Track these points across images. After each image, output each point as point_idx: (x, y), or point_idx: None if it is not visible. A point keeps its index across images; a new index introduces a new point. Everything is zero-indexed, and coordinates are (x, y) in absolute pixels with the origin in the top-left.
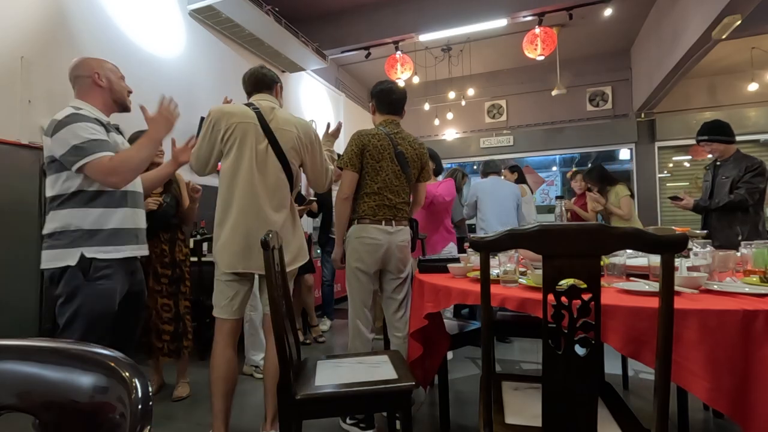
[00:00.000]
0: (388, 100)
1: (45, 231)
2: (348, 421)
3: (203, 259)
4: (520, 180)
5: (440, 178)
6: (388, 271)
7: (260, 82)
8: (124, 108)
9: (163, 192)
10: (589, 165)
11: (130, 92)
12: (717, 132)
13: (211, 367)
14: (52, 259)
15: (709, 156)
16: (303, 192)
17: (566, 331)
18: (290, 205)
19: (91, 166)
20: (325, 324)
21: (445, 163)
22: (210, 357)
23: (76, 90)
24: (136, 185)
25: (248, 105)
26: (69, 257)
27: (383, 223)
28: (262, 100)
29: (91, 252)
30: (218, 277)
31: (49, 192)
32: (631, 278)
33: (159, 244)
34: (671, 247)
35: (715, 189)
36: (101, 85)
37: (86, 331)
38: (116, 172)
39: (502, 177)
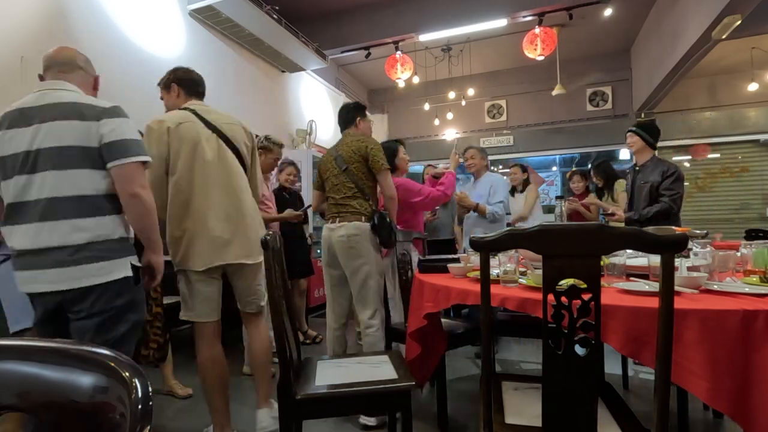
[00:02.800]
0: (338, 121)
1: (83, 239)
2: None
3: None
4: (527, 180)
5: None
6: (342, 265)
7: (198, 88)
8: None
9: None
10: (589, 164)
11: None
12: (643, 128)
13: (204, 370)
14: (101, 271)
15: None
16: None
17: (566, 331)
18: (250, 196)
19: (134, 168)
20: None
21: (445, 163)
22: (198, 362)
23: (72, 76)
24: None
25: (183, 109)
26: (124, 268)
27: (329, 221)
28: (197, 106)
29: (135, 260)
30: (189, 280)
31: (89, 189)
32: (631, 278)
33: None
34: (671, 247)
35: (635, 194)
36: (97, 89)
37: (134, 338)
38: (146, 198)
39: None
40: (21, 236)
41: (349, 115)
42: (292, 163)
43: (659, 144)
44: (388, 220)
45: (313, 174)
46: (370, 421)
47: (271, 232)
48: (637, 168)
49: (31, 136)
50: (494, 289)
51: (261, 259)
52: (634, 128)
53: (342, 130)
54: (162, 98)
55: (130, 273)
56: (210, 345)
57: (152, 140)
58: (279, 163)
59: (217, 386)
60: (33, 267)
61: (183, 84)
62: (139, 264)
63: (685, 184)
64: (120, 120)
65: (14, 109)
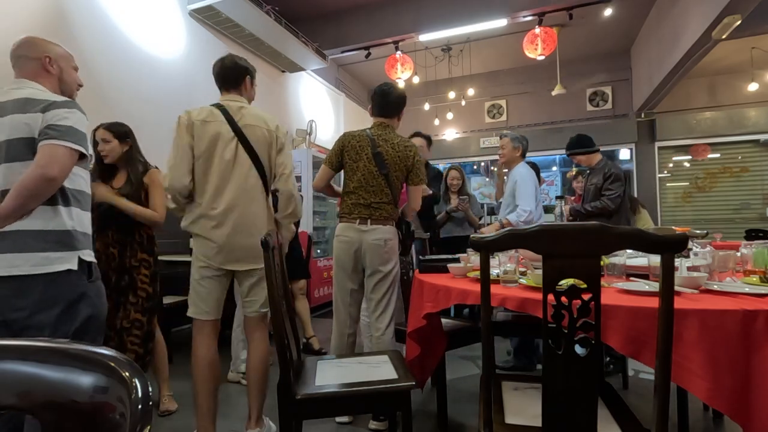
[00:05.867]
0: (380, 102)
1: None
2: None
3: None
4: None
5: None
6: (366, 268)
7: (225, 80)
8: None
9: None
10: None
11: (80, 86)
12: (574, 146)
13: (197, 368)
14: (47, 261)
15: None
16: None
17: (566, 331)
18: (264, 201)
19: (55, 148)
20: None
21: (445, 163)
22: (193, 359)
23: (17, 71)
24: (89, 186)
25: (215, 105)
26: (70, 260)
27: (357, 222)
28: (230, 101)
29: (86, 256)
30: (198, 278)
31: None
32: (631, 278)
33: (108, 247)
34: (671, 247)
35: (585, 195)
36: (51, 71)
37: (99, 334)
38: (54, 180)
39: None
40: None
41: (398, 106)
42: None
43: (660, 144)
44: (411, 229)
45: (313, 174)
46: (380, 426)
47: (271, 232)
48: (588, 171)
49: None
50: (494, 289)
51: (261, 265)
52: (568, 152)
53: (377, 114)
54: None
55: (74, 267)
56: (207, 343)
57: (181, 130)
58: None
59: (210, 387)
60: None
61: (216, 79)
62: (92, 259)
63: (685, 183)
64: (68, 111)
65: None
